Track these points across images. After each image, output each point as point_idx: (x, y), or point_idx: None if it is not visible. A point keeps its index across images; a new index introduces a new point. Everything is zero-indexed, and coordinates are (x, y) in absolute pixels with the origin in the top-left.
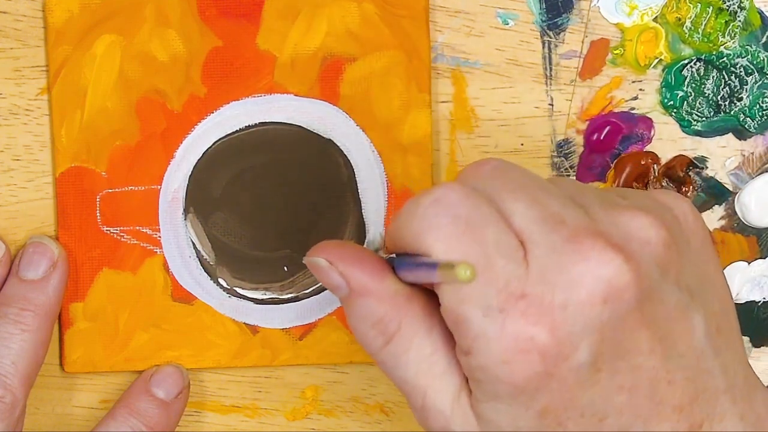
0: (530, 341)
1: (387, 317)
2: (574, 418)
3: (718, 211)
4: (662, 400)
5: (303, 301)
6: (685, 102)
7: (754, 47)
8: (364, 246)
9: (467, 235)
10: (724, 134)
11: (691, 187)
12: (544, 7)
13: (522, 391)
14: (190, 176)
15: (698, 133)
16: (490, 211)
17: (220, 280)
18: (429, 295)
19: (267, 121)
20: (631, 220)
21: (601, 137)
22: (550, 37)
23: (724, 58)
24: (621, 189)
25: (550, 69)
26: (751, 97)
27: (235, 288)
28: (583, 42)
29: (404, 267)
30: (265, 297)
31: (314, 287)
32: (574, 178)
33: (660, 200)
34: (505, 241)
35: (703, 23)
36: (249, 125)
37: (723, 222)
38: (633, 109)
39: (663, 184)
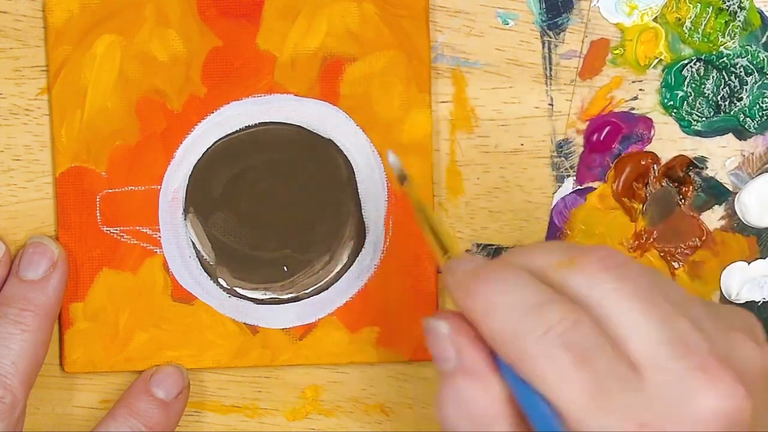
0: None
1: (487, 412)
2: None
3: (718, 211)
4: None
5: (303, 301)
6: (685, 102)
7: (754, 47)
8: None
9: (583, 368)
10: (724, 134)
11: (691, 187)
12: (544, 7)
13: None
14: (190, 176)
15: (698, 133)
16: (602, 336)
17: (220, 280)
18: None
19: (267, 121)
20: (743, 345)
21: (601, 137)
22: (550, 37)
23: (724, 58)
24: (709, 302)
25: (550, 69)
26: (751, 97)
27: (235, 288)
28: (583, 42)
29: (511, 381)
30: (265, 297)
31: (314, 287)
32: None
33: (745, 320)
34: (620, 366)
35: (703, 23)
36: (249, 125)
37: (723, 222)
38: (633, 109)
39: (663, 184)
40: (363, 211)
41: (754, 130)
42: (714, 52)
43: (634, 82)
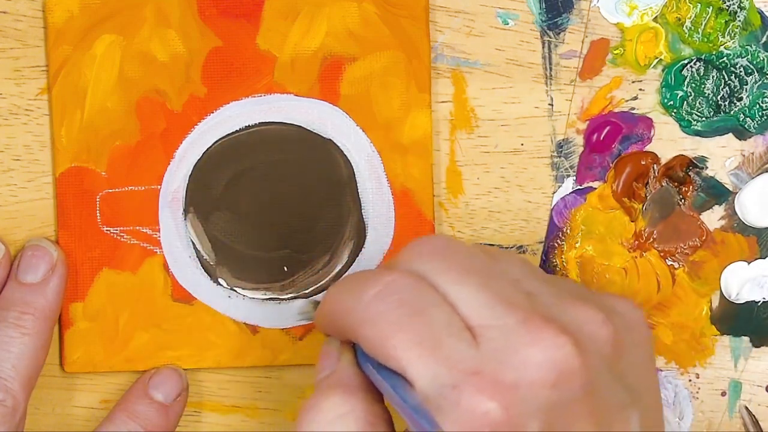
0: (485, 416)
1: (331, 402)
2: None
3: (718, 211)
4: None
5: (303, 300)
6: (685, 102)
7: (754, 47)
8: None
9: (415, 319)
10: (724, 134)
11: (691, 187)
12: (544, 7)
13: None
14: (190, 176)
15: (698, 133)
16: (435, 296)
17: (220, 280)
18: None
19: (267, 121)
20: (582, 313)
21: (601, 137)
22: (550, 37)
23: (724, 58)
24: (573, 283)
25: (550, 69)
26: (751, 97)
27: (235, 288)
28: (583, 42)
29: (363, 355)
30: (265, 297)
31: (314, 287)
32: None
33: (610, 303)
34: (454, 323)
35: (703, 23)
36: (249, 125)
37: (723, 222)
38: (633, 109)
39: (663, 184)
40: (363, 211)
41: (754, 130)
42: (714, 52)
43: (634, 82)
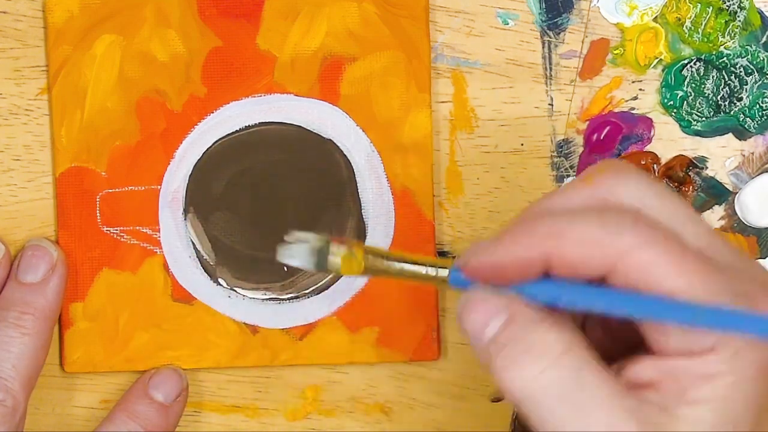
0: None
1: (549, 340)
2: None
3: (718, 211)
4: None
5: (303, 300)
6: (685, 102)
7: (754, 47)
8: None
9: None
10: (724, 134)
11: (691, 187)
12: (544, 7)
13: None
14: (190, 176)
15: (698, 133)
16: None
17: (220, 280)
18: None
19: (267, 121)
20: None
21: (601, 137)
22: (550, 37)
23: (724, 58)
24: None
25: (550, 69)
26: (751, 97)
27: (235, 288)
28: (583, 42)
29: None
30: (265, 297)
31: (314, 287)
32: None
33: None
34: None
35: (703, 23)
36: (249, 125)
37: (723, 222)
38: (633, 109)
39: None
40: (363, 211)
41: (754, 130)
42: (714, 52)
43: (634, 82)
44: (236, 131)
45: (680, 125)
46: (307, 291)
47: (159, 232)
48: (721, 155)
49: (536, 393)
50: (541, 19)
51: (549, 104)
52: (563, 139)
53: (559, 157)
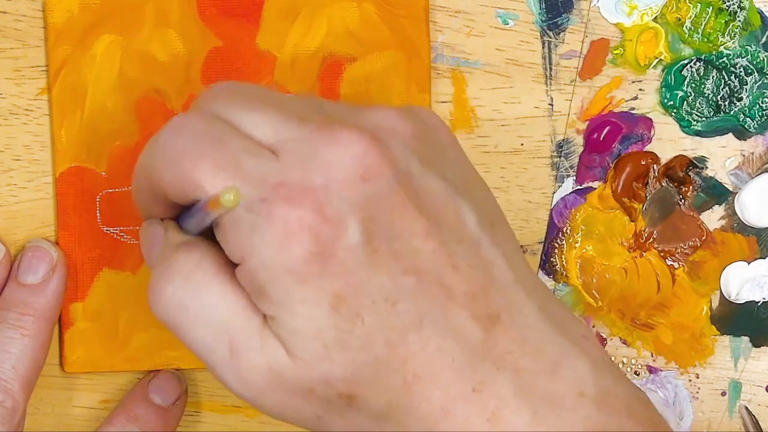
0: (299, 222)
1: (180, 260)
2: (367, 306)
3: (718, 211)
4: (451, 286)
5: None
6: (685, 102)
7: (754, 47)
8: None
9: (212, 146)
10: (724, 134)
11: (691, 187)
12: (544, 7)
13: (305, 278)
14: None
15: (698, 133)
16: (228, 127)
17: None
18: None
19: None
20: (377, 113)
21: (601, 137)
22: (550, 37)
23: (724, 58)
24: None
25: (550, 69)
26: (751, 97)
27: None
28: (583, 42)
29: (184, 220)
30: None
31: None
32: (575, 177)
33: (406, 108)
34: (251, 146)
35: (703, 23)
36: None
37: (723, 222)
38: (633, 109)
39: (663, 184)
40: None
41: (754, 130)
42: (714, 52)
43: (634, 82)
44: None
45: (680, 125)
46: None
47: None
48: (721, 155)
49: (171, 313)
50: (541, 19)
51: (549, 104)
52: (563, 139)
53: (559, 157)
